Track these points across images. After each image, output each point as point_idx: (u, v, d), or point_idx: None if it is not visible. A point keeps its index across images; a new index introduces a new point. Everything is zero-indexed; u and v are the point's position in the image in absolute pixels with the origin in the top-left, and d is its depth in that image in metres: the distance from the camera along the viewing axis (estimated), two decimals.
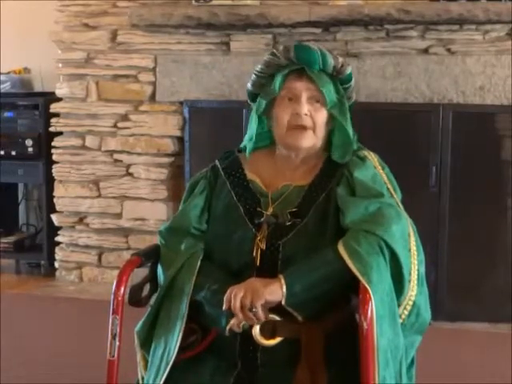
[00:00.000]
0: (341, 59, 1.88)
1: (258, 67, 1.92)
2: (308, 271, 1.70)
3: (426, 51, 3.78)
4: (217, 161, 1.98)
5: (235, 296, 1.66)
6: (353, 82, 1.91)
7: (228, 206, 1.88)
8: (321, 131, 1.86)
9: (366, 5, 3.67)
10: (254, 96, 1.95)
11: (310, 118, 1.84)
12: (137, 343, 1.89)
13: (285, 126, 1.85)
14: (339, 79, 1.88)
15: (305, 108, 1.83)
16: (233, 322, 1.70)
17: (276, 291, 1.67)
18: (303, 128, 1.84)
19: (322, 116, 1.85)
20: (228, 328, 1.72)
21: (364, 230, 1.71)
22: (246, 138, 1.96)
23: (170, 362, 1.73)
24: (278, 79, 1.86)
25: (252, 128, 1.94)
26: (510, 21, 3.54)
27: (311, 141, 1.85)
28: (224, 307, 1.68)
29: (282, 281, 1.68)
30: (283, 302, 1.67)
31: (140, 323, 1.89)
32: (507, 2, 3.51)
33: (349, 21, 3.69)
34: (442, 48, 3.76)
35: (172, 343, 1.75)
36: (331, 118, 1.87)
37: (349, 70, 1.88)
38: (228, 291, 1.69)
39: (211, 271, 1.82)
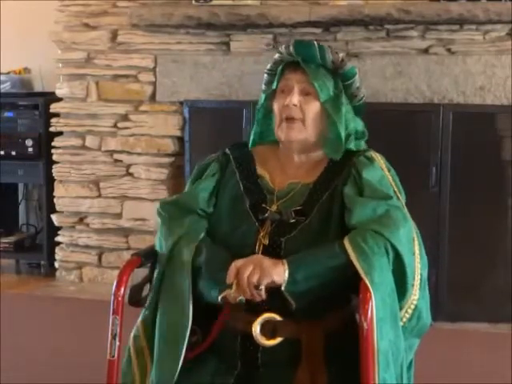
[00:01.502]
0: (341, 55, 1.89)
1: (268, 66, 1.96)
2: (312, 261, 1.70)
3: (426, 51, 3.78)
4: (227, 149, 1.98)
5: (242, 271, 1.66)
6: (357, 80, 1.91)
7: (235, 197, 1.88)
8: (312, 124, 1.85)
9: (367, 5, 3.67)
10: None
11: (299, 109, 1.84)
12: (141, 331, 1.87)
13: (277, 118, 1.87)
14: (340, 75, 1.89)
15: (294, 99, 1.84)
16: (231, 292, 1.68)
17: (281, 274, 1.67)
18: (292, 120, 1.84)
19: (313, 108, 1.85)
20: (221, 296, 1.71)
21: (372, 230, 1.71)
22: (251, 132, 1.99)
23: (187, 332, 1.73)
24: (277, 74, 1.90)
25: (254, 123, 1.97)
26: (510, 21, 3.54)
27: (301, 133, 1.85)
28: (228, 280, 1.68)
29: (286, 266, 1.68)
30: (283, 288, 1.67)
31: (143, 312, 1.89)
32: (507, 2, 3.51)
33: (349, 21, 3.69)
34: (442, 48, 3.76)
35: (185, 317, 1.74)
36: (329, 114, 1.87)
37: (349, 66, 1.89)
38: (233, 265, 1.69)
39: (212, 246, 1.82)
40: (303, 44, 1.88)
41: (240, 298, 1.68)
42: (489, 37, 3.70)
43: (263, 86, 1.98)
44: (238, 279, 1.67)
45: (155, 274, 1.87)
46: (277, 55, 1.92)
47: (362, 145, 1.93)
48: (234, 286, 1.68)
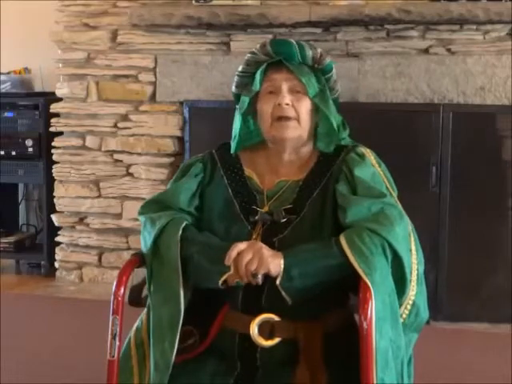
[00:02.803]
0: (319, 50, 1.89)
1: (240, 68, 1.95)
2: (308, 259, 1.69)
3: (426, 51, 3.78)
4: (214, 151, 1.98)
5: (242, 257, 1.66)
6: (334, 73, 1.92)
7: (225, 201, 1.87)
8: (305, 121, 1.85)
9: (367, 5, 3.67)
10: (238, 97, 1.96)
11: (292, 108, 1.84)
12: (144, 323, 1.87)
13: (269, 118, 1.86)
14: (320, 70, 1.89)
15: (286, 98, 1.84)
16: (228, 276, 1.70)
17: (278, 266, 1.67)
18: (286, 119, 1.84)
19: (304, 105, 1.85)
20: (222, 280, 1.70)
21: (368, 229, 1.71)
22: (232, 137, 1.97)
23: (179, 323, 1.72)
24: (258, 75, 1.88)
25: (235, 128, 1.96)
26: (511, 21, 3.54)
27: (296, 131, 1.85)
28: (226, 261, 1.68)
29: (282, 261, 1.67)
30: (278, 282, 1.66)
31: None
32: (507, 2, 3.51)
33: (349, 21, 3.69)
34: (442, 48, 3.76)
35: (177, 306, 1.73)
36: (317, 109, 1.87)
37: (328, 60, 1.89)
38: (233, 248, 1.68)
39: (204, 233, 1.82)
40: (281, 43, 1.89)
41: (237, 280, 1.69)
42: (489, 37, 3.70)
43: (234, 89, 1.96)
44: (236, 264, 1.67)
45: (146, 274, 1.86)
46: (250, 56, 1.91)
47: (349, 140, 1.92)
48: (232, 268, 1.68)
